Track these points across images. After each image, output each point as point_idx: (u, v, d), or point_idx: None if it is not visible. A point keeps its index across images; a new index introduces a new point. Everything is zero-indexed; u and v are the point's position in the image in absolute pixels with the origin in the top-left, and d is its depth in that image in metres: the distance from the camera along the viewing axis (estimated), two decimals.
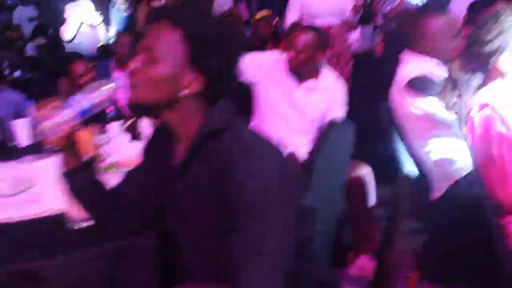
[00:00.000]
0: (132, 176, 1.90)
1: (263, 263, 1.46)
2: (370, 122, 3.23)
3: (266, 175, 1.46)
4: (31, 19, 11.83)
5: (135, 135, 3.03)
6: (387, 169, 3.79)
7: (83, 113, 1.61)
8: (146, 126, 3.03)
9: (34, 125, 1.65)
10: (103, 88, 1.62)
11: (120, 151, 2.73)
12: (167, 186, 1.72)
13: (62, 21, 11.85)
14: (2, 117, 3.57)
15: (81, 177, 1.82)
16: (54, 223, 2.16)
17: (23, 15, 12.53)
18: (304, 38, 3.24)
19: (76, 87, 3.78)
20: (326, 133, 2.48)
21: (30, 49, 10.83)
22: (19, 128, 3.47)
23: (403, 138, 2.87)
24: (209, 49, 1.53)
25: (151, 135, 1.83)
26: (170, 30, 1.53)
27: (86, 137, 2.78)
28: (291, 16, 5.35)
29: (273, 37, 6.39)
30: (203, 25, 1.55)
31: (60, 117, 1.59)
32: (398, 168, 3.11)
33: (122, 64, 5.14)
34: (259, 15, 6.60)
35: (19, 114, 3.80)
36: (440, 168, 2.83)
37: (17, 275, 1.81)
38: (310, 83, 3.33)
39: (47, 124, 1.58)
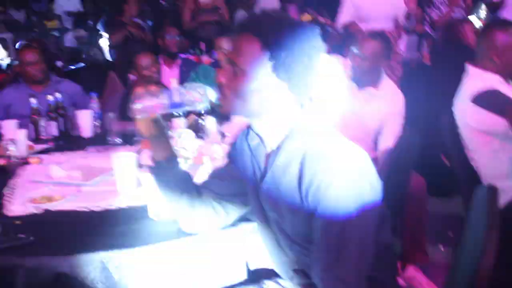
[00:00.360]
0: (218, 174, 1.99)
1: (346, 267, 1.54)
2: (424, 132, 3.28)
3: (344, 184, 1.52)
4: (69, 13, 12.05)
5: (198, 133, 3.10)
6: (439, 182, 3.89)
7: (173, 106, 1.75)
8: (211, 125, 3.11)
9: (131, 102, 1.76)
10: (199, 90, 1.72)
11: (190, 147, 2.80)
12: (252, 186, 1.81)
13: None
14: (65, 108, 3.66)
15: (169, 169, 1.91)
16: (132, 213, 2.22)
17: (63, 6, 12.75)
18: (371, 46, 3.27)
19: (141, 79, 3.91)
20: (398, 143, 2.51)
21: (67, 41, 11.02)
22: (83, 119, 3.58)
23: (464, 150, 2.90)
24: (287, 56, 1.58)
25: (239, 135, 1.91)
26: (250, 42, 1.61)
27: None
28: (343, 18, 5.41)
29: None
30: (280, 32, 1.59)
31: (152, 102, 1.74)
32: (453, 180, 3.15)
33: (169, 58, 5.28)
34: (304, 18, 6.68)
35: (78, 105, 3.91)
36: (500, 182, 2.86)
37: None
38: (370, 91, 3.37)
39: (139, 104, 1.74)
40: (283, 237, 1.74)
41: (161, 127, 1.86)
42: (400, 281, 3.22)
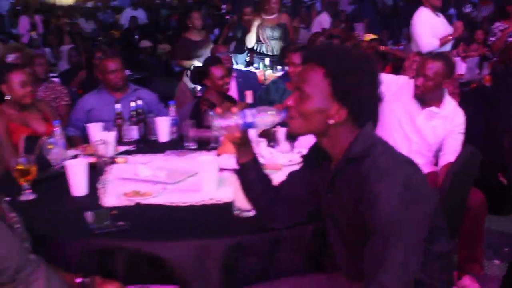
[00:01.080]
0: (293, 177, 2.23)
1: (389, 274, 1.73)
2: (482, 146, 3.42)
3: (397, 197, 1.71)
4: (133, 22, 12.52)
5: (270, 142, 3.33)
6: (497, 199, 4.02)
7: (247, 125, 1.95)
8: (281, 135, 3.34)
9: (211, 120, 1.99)
10: (269, 113, 1.94)
11: (263, 154, 3.04)
12: (320, 192, 2.05)
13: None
14: (145, 114, 3.94)
15: (252, 170, 2.15)
16: (216, 209, 2.49)
17: (127, 17, 13.26)
18: (434, 66, 3.41)
19: (215, 88, 4.18)
20: (459, 158, 2.67)
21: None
22: (161, 125, 3.86)
23: None
24: (347, 84, 1.81)
25: (312, 147, 2.14)
26: (314, 70, 1.85)
27: None
28: (426, 36, 5.57)
29: (380, 59, 6.67)
30: (340, 62, 1.83)
31: (229, 121, 1.95)
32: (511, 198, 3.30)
33: None
34: (367, 37, 6.90)
35: (153, 112, 4.19)
36: None
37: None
38: (432, 109, 3.53)
39: (218, 123, 1.95)
40: (343, 238, 1.98)
41: (245, 135, 2.10)
42: None
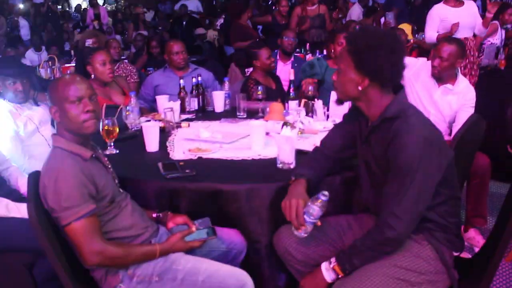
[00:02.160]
0: (335, 131, 2.49)
1: (402, 205, 1.99)
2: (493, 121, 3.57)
3: (419, 148, 1.96)
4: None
5: (308, 113, 3.58)
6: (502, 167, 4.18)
7: (310, 222, 2.17)
8: (319, 106, 3.59)
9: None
10: (319, 203, 2.13)
11: (303, 121, 3.30)
12: (356, 142, 2.31)
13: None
14: (204, 88, 4.22)
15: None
16: (262, 163, 2.76)
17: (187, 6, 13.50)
18: (448, 49, 3.57)
19: (264, 67, 4.43)
20: (465, 124, 2.84)
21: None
22: (217, 98, 4.14)
23: None
24: (363, 57, 2.06)
25: (351, 108, 2.40)
26: (344, 50, 2.14)
27: (279, 108, 3.41)
28: (430, 29, 5.75)
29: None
30: (357, 40, 2.09)
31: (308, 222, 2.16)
32: None
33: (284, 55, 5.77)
34: (402, 26, 7.02)
35: (209, 87, 4.47)
36: None
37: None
38: (448, 86, 3.70)
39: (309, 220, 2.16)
40: (373, 180, 2.23)
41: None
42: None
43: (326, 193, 2.10)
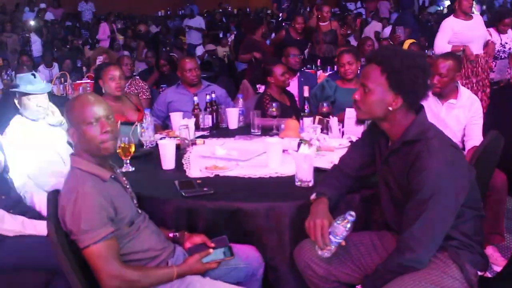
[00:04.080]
0: (354, 149, 2.47)
1: (423, 228, 1.96)
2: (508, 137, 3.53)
3: (441, 172, 1.94)
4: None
5: (323, 130, 3.56)
6: None
7: (335, 243, 2.14)
8: (334, 123, 3.57)
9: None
10: (346, 223, 2.09)
11: (319, 138, 3.28)
12: (376, 161, 2.29)
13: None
14: (217, 105, 4.21)
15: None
16: (280, 181, 2.74)
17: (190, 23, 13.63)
18: (446, 64, 3.51)
19: (278, 84, 4.41)
20: (483, 143, 2.81)
21: (198, 52, 11.81)
22: (231, 115, 4.12)
23: None
24: (398, 77, 2.05)
25: (370, 126, 2.37)
26: (373, 69, 2.10)
27: (295, 126, 3.39)
28: (442, 39, 5.74)
29: None
30: (391, 60, 2.07)
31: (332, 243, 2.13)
32: None
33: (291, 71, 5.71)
34: (408, 41, 7.00)
35: (222, 104, 4.45)
36: None
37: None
38: (451, 101, 3.65)
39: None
40: (394, 200, 2.21)
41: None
42: None
43: (353, 213, 2.06)
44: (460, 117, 3.68)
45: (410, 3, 11.65)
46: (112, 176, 2.16)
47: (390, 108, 2.08)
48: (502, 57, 6.27)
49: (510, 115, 4.44)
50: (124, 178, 2.31)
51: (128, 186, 2.29)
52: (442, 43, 5.74)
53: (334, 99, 4.39)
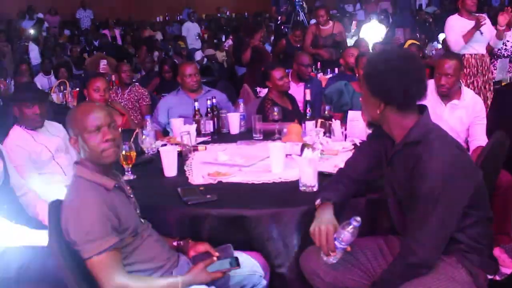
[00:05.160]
0: (359, 152, 2.45)
1: (426, 232, 1.95)
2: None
3: (443, 174, 1.92)
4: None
5: (325, 133, 3.53)
6: None
7: (341, 248, 2.11)
8: (336, 126, 3.54)
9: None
10: (351, 229, 2.06)
11: (322, 142, 3.25)
12: (382, 163, 2.26)
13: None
14: (218, 110, 4.17)
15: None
16: (283, 186, 2.71)
17: (189, 29, 13.65)
18: (452, 64, 3.49)
19: (276, 88, 4.36)
20: (490, 141, 2.79)
21: (197, 56, 11.80)
22: (232, 120, 4.09)
23: None
24: (375, 83, 2.07)
25: (375, 129, 2.34)
26: (362, 75, 2.14)
27: (297, 130, 3.36)
28: (454, 35, 5.67)
29: None
30: (368, 67, 2.10)
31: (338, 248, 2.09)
32: None
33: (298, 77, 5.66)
34: (409, 42, 6.98)
35: (223, 109, 4.41)
36: None
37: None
38: (454, 102, 3.62)
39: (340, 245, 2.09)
40: (399, 203, 2.18)
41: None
42: None
43: (358, 218, 2.03)
44: (463, 118, 3.65)
45: (407, 3, 11.68)
46: (116, 185, 2.13)
47: (378, 112, 2.09)
48: (505, 56, 6.25)
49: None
50: (128, 187, 2.28)
51: (132, 195, 2.26)
52: (455, 39, 5.62)
53: (351, 106, 4.26)
